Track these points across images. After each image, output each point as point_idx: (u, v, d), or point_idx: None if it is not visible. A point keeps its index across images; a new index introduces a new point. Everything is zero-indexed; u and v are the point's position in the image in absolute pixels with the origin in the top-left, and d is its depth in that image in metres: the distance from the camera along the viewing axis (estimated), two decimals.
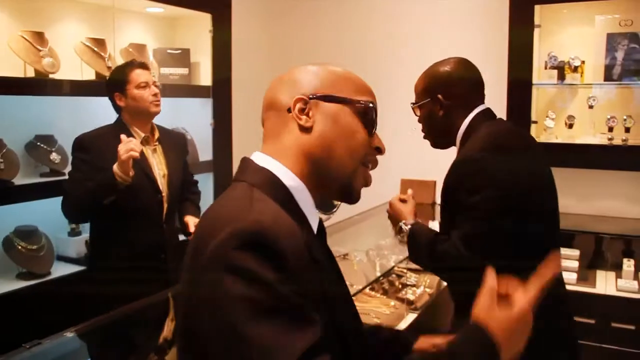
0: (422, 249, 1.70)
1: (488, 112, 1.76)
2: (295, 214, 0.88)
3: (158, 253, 2.38)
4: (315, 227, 0.95)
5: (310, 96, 0.93)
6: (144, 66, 2.41)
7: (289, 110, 0.93)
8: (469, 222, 1.58)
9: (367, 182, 0.98)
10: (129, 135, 2.29)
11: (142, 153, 2.27)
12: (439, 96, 1.71)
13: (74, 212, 2.35)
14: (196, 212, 2.55)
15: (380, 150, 0.98)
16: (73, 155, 2.34)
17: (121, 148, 2.13)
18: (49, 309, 2.35)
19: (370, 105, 0.96)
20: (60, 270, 2.71)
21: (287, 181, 0.91)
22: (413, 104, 1.80)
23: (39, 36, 2.62)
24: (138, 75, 2.34)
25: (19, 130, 2.68)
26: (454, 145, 1.79)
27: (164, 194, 2.39)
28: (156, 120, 2.47)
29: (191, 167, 2.73)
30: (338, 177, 0.94)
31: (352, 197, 0.97)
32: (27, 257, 2.58)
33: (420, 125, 1.80)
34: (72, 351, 1.72)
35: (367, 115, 0.95)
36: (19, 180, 2.55)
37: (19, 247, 2.57)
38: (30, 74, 2.60)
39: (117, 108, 2.38)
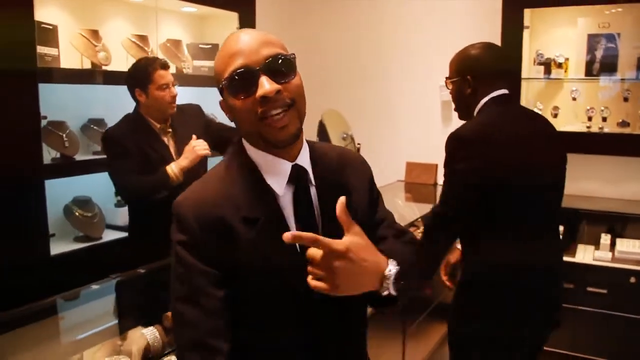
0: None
1: (504, 97, 1.91)
2: (252, 176, 1.08)
3: None
4: (279, 183, 1.07)
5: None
6: (166, 66, 2.50)
7: None
8: (444, 186, 1.88)
9: (274, 129, 1.02)
10: (146, 126, 2.50)
11: (162, 140, 2.53)
12: (468, 77, 1.92)
13: (132, 199, 2.54)
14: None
15: (265, 98, 1.00)
16: (109, 151, 2.47)
17: (197, 145, 2.42)
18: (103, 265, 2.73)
19: (233, 73, 1.01)
20: (109, 235, 3.10)
21: (247, 150, 1.11)
22: (447, 78, 2.02)
23: (95, 33, 2.98)
24: (161, 76, 2.45)
25: (76, 114, 3.06)
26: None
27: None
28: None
29: None
30: (253, 139, 1.08)
31: (271, 144, 1.05)
32: (84, 223, 2.98)
33: None
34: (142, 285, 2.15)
35: (234, 84, 1.02)
36: (78, 157, 2.93)
37: (77, 214, 2.97)
38: (87, 65, 2.96)
39: (137, 101, 2.53)
